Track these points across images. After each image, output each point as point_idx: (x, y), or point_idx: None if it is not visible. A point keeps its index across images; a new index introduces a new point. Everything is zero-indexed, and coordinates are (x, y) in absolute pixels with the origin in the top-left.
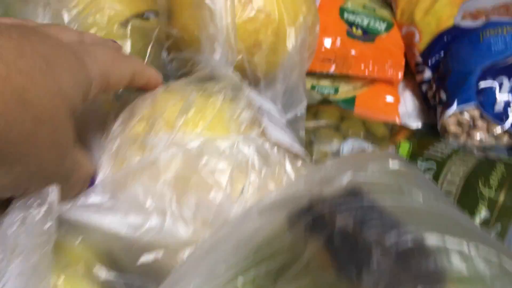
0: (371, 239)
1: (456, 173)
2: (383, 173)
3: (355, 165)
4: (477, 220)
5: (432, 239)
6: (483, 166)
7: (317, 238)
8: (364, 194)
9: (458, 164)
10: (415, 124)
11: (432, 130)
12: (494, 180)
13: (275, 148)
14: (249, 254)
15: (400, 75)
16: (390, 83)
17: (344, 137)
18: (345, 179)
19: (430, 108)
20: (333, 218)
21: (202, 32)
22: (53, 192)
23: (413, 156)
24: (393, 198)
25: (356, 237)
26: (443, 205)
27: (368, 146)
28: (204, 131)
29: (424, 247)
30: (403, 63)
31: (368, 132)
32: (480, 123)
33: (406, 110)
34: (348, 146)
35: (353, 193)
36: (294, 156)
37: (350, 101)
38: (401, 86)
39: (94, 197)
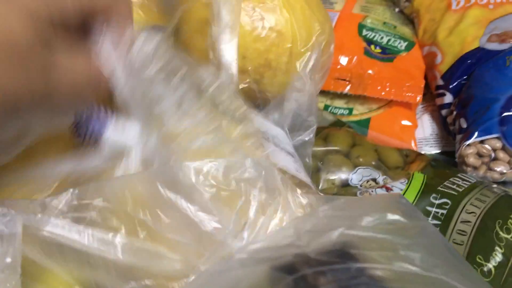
0: None
1: (472, 211)
2: (379, 228)
3: (349, 216)
4: (492, 264)
5: None
6: (502, 205)
7: None
8: (352, 256)
9: (475, 202)
10: (433, 150)
11: (450, 159)
12: None
13: (283, 180)
14: None
15: (419, 98)
16: (407, 106)
17: (354, 165)
18: (335, 235)
19: (449, 134)
20: (317, 282)
21: (207, 53)
22: (16, 221)
23: (426, 190)
24: (385, 261)
25: None
26: (444, 268)
27: (379, 176)
28: (206, 143)
29: None
30: (422, 85)
31: (380, 160)
32: (501, 155)
33: (424, 135)
34: (358, 175)
35: (340, 255)
36: (300, 183)
37: (364, 123)
38: (419, 109)
39: (84, 207)
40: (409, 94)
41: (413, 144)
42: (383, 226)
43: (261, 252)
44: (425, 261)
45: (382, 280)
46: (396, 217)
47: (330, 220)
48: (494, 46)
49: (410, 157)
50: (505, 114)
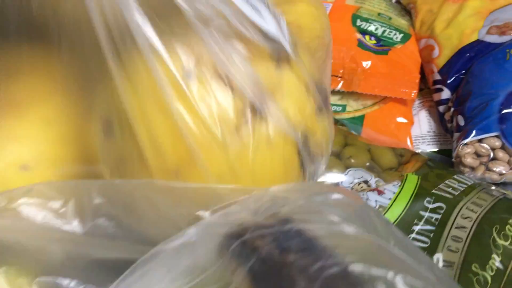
0: (296, 266)
1: (468, 216)
2: (324, 203)
3: (299, 195)
4: (488, 272)
5: (357, 268)
6: (500, 209)
7: (242, 266)
8: (294, 220)
9: (471, 206)
10: (430, 149)
11: (448, 158)
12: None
13: None
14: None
15: (414, 94)
16: (403, 102)
17: (346, 167)
18: (281, 205)
19: (447, 132)
20: (259, 245)
21: None
22: None
23: (420, 193)
24: (325, 226)
25: (280, 265)
26: (380, 238)
27: (371, 179)
28: None
29: (349, 275)
30: (417, 80)
31: (373, 160)
32: (500, 154)
33: (421, 132)
34: (349, 177)
35: (283, 220)
36: None
37: (358, 120)
38: (416, 104)
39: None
40: (404, 90)
41: (408, 142)
42: (327, 202)
43: (214, 225)
44: (362, 232)
45: (319, 238)
46: (340, 196)
47: (279, 198)
48: (494, 38)
49: (405, 157)
50: (504, 111)
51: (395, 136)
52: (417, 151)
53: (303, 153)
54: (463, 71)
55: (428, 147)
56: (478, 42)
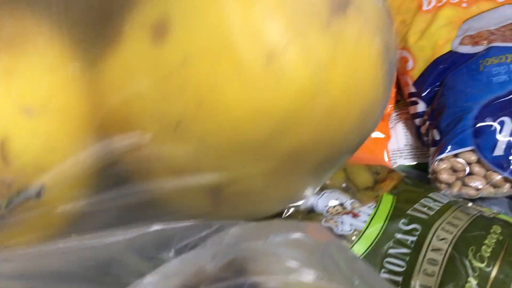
0: None
1: (443, 238)
2: (281, 244)
3: (256, 235)
4: None
5: None
6: (476, 229)
7: None
8: (249, 270)
9: (446, 227)
10: (407, 163)
11: (425, 174)
12: (488, 247)
13: None
14: None
15: (390, 109)
16: None
17: (321, 188)
18: (237, 250)
19: (424, 145)
20: None
21: None
22: None
23: (395, 214)
24: (281, 274)
25: None
26: (343, 280)
27: (346, 201)
28: None
29: None
30: (393, 95)
31: (349, 180)
32: (477, 169)
33: (398, 146)
34: (324, 200)
35: (237, 270)
36: None
37: None
38: (393, 117)
39: None
40: None
41: (385, 156)
42: (285, 243)
43: (170, 274)
44: (321, 278)
45: None
46: (301, 235)
47: (236, 238)
48: (467, 49)
49: (381, 174)
50: (479, 125)
51: (372, 151)
52: (394, 166)
53: (385, 64)
54: (438, 83)
55: (405, 161)
56: (451, 53)
